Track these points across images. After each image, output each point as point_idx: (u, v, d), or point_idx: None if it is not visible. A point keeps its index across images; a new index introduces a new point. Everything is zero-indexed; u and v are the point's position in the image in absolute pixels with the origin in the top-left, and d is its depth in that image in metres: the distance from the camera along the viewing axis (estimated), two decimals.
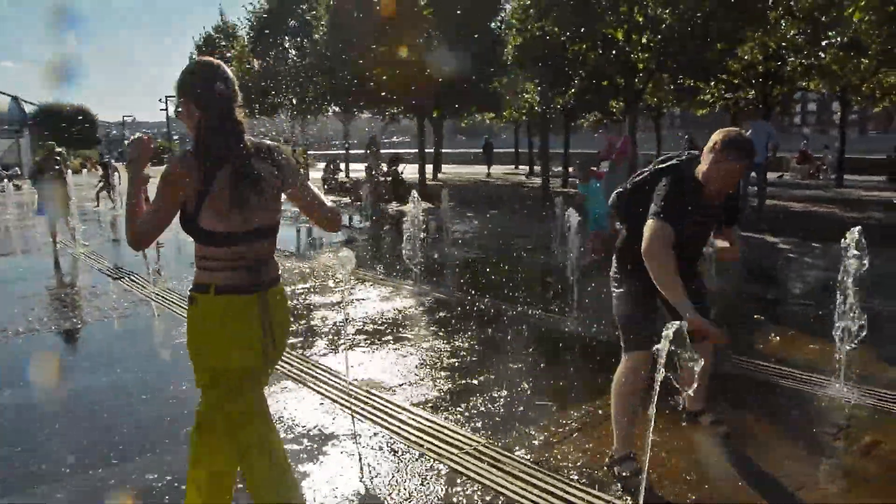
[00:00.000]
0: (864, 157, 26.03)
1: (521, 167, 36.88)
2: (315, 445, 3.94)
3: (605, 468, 3.56)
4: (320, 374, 5.09)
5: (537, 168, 32.59)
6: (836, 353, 4.74)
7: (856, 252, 4.51)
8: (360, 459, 3.77)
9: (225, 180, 2.43)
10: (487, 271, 9.08)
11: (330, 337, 6.06)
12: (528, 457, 3.73)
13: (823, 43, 15.47)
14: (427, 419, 4.24)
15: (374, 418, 4.28)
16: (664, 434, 3.91)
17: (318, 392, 4.73)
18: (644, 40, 12.76)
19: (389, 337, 6.01)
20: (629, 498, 3.27)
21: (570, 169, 23.45)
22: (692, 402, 4.00)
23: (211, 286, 2.48)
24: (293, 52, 27.90)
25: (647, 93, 15.45)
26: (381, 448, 3.89)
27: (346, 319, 5.08)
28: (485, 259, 10.14)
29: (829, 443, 3.91)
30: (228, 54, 28.41)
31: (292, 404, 4.54)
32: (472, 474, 3.55)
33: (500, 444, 3.89)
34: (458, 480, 3.50)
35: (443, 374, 5.07)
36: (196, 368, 2.58)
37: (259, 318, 2.52)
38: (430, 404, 4.50)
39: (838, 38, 15.00)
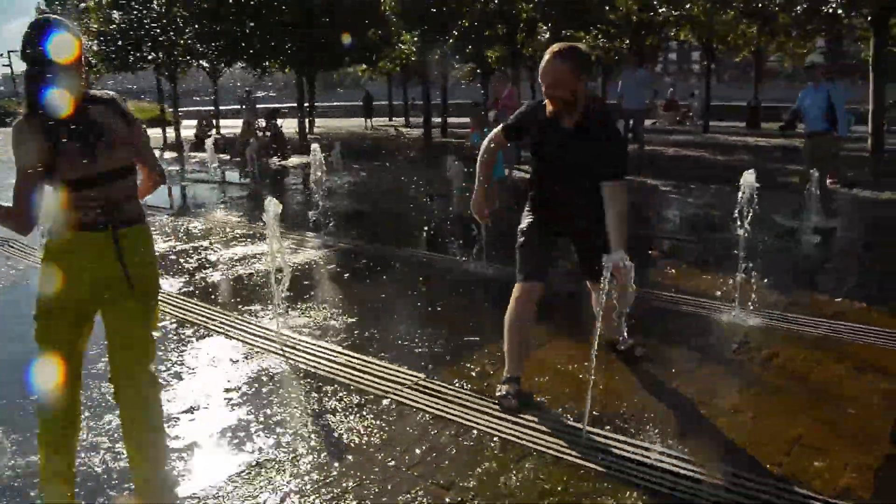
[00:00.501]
0: (726, 105, 27.68)
1: (395, 119, 36.70)
2: (257, 393, 3.97)
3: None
4: (248, 325, 5.06)
5: (413, 119, 32.73)
6: (730, 280, 5.22)
7: (748, 193, 4.94)
8: (307, 401, 3.84)
9: (66, 132, 2.55)
10: (391, 221, 9.17)
11: (248, 289, 6.00)
12: (469, 387, 3.93)
13: None
14: (363, 360, 4.35)
15: (310, 363, 4.34)
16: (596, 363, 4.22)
17: (248, 343, 4.72)
18: None
19: (307, 286, 6.03)
20: (568, 416, 3.54)
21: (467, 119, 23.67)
22: (609, 333, 4.21)
23: (66, 227, 2.61)
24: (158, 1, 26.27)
25: (527, 43, 15.80)
26: (322, 389, 3.97)
27: (276, 270, 5.03)
28: (386, 209, 10.21)
29: (732, 358, 4.34)
30: (82, 5, 26.40)
31: (224, 356, 4.52)
32: (419, 405, 3.71)
33: (438, 377, 4.06)
34: (406, 412, 3.65)
35: (368, 318, 5.16)
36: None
37: (113, 253, 2.64)
38: (362, 347, 4.59)
39: None
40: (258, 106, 24.23)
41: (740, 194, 5.01)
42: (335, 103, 46.22)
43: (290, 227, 8.61)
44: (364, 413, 3.66)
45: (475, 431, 3.43)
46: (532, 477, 3.02)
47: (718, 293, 5.31)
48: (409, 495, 2.90)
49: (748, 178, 4.96)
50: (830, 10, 11.09)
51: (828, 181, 9.84)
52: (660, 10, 16.98)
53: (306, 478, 3.06)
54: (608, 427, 3.43)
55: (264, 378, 4.15)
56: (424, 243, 7.73)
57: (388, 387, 3.95)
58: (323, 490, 2.96)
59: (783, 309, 5.12)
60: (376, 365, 4.26)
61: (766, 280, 5.56)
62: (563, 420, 3.50)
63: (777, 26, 17.71)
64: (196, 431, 3.52)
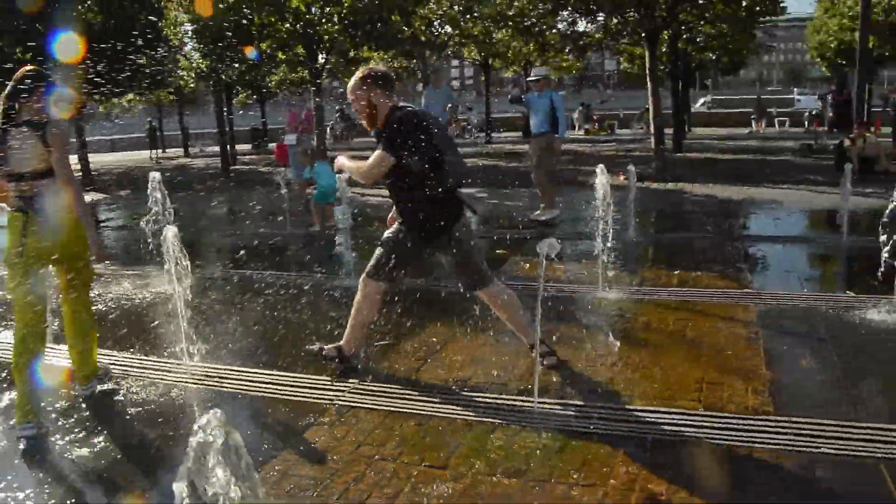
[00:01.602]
0: (499, 116, 29.80)
1: (168, 150, 34.67)
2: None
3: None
4: (152, 362, 4.86)
5: (192, 149, 31.61)
6: (595, 268, 5.92)
7: (605, 190, 5.67)
8: (259, 420, 3.86)
9: None
10: (243, 246, 8.99)
11: (131, 325, 5.69)
12: (406, 381, 4.16)
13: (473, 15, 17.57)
14: (290, 376, 4.38)
15: (235, 388, 4.30)
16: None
17: (160, 380, 4.55)
18: (330, 12, 13.32)
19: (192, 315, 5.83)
20: (515, 393, 3.92)
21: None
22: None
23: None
24: None
25: (330, 65, 16.09)
26: (263, 408, 3.99)
27: (170, 302, 4.84)
28: (230, 235, 9.96)
29: (619, 327, 4.98)
30: None
31: (140, 397, 4.34)
32: (367, 405, 3.89)
33: (371, 380, 4.24)
34: (360, 413, 3.81)
35: (267, 339, 5.18)
36: None
37: (21, 230, 3.78)
38: (281, 365, 4.61)
39: (484, 11, 17.19)
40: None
41: (599, 189, 5.71)
42: (98, 137, 42.65)
43: (132, 261, 8.14)
44: (322, 420, 3.76)
45: (433, 418, 3.69)
46: (510, 446, 3.37)
47: (583, 279, 6.00)
48: (413, 480, 3.11)
49: (601, 175, 5.68)
50: (615, 28, 12.64)
51: (620, 177, 11.26)
52: (444, 31, 18.13)
53: (302, 482, 3.14)
54: (550, 396, 3.85)
55: (196, 408, 4.09)
56: (288, 264, 7.74)
57: (330, 395, 4.06)
58: (326, 491, 3.07)
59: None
60: (307, 379, 4.33)
61: (623, 265, 6.36)
62: (511, 397, 3.88)
63: (547, 42, 19.54)
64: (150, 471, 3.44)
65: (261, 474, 3.20)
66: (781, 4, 12.57)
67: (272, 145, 28.72)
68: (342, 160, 4.35)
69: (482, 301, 4.38)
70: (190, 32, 15.29)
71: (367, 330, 4.50)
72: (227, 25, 13.64)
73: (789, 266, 6.94)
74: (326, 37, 13.74)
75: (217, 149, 27.23)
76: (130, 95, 29.06)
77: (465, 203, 4.18)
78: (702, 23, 14.73)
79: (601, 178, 5.68)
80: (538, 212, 9.31)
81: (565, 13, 14.32)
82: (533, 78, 9.25)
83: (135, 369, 4.71)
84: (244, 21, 13.49)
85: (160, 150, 33.30)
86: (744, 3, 12.71)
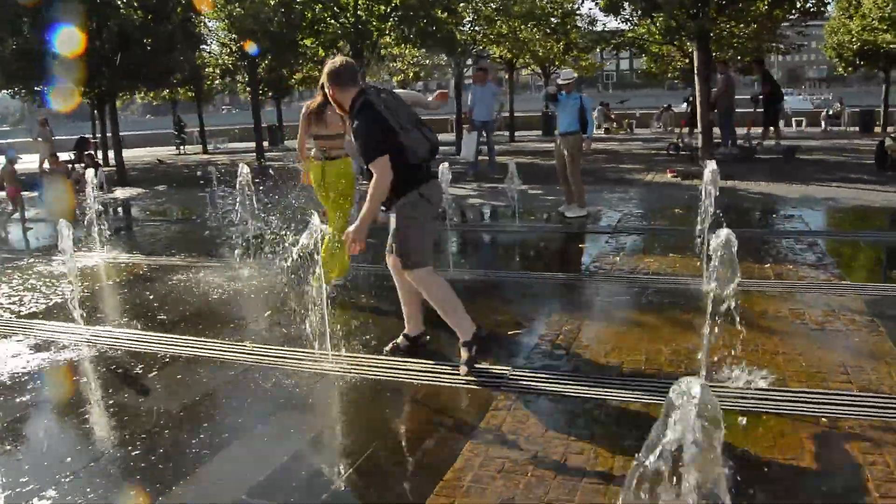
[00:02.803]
0: (520, 115, 30.03)
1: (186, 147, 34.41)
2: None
3: None
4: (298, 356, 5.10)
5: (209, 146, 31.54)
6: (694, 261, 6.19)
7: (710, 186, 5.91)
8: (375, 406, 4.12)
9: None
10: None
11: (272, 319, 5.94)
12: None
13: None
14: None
15: (362, 373, 4.58)
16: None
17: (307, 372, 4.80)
18: (377, 9, 13.61)
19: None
20: (668, 375, 4.20)
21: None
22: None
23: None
24: None
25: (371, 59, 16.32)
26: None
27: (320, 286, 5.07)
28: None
29: (741, 316, 5.21)
30: None
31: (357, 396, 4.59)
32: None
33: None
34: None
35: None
36: None
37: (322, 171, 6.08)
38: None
39: (515, 9, 17.50)
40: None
41: (705, 185, 5.99)
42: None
43: (204, 254, 8.34)
44: (497, 405, 4.02)
45: (605, 403, 3.96)
46: None
47: (687, 271, 6.30)
48: (617, 459, 3.39)
49: (708, 174, 5.94)
50: (671, 27, 12.93)
51: (668, 174, 11.60)
52: (475, 30, 18.43)
53: (507, 465, 3.41)
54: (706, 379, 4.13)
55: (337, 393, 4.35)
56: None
57: (495, 381, 4.33)
58: (539, 471, 3.34)
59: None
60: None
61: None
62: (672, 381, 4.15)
63: (573, 41, 19.83)
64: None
65: (464, 456, 3.46)
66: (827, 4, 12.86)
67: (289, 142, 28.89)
68: (357, 231, 4.25)
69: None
70: (220, 28, 15.38)
71: (414, 304, 4.78)
72: (275, 20, 13.83)
73: (871, 259, 7.33)
74: (376, 33, 13.98)
75: (234, 145, 27.34)
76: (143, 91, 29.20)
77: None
78: (732, 23, 14.94)
79: (710, 175, 5.92)
80: (564, 207, 9.80)
81: (625, 13, 14.55)
82: (563, 81, 9.63)
83: (281, 363, 4.95)
84: (292, 17, 13.70)
85: (183, 146, 32.93)
86: (797, 5, 12.98)
